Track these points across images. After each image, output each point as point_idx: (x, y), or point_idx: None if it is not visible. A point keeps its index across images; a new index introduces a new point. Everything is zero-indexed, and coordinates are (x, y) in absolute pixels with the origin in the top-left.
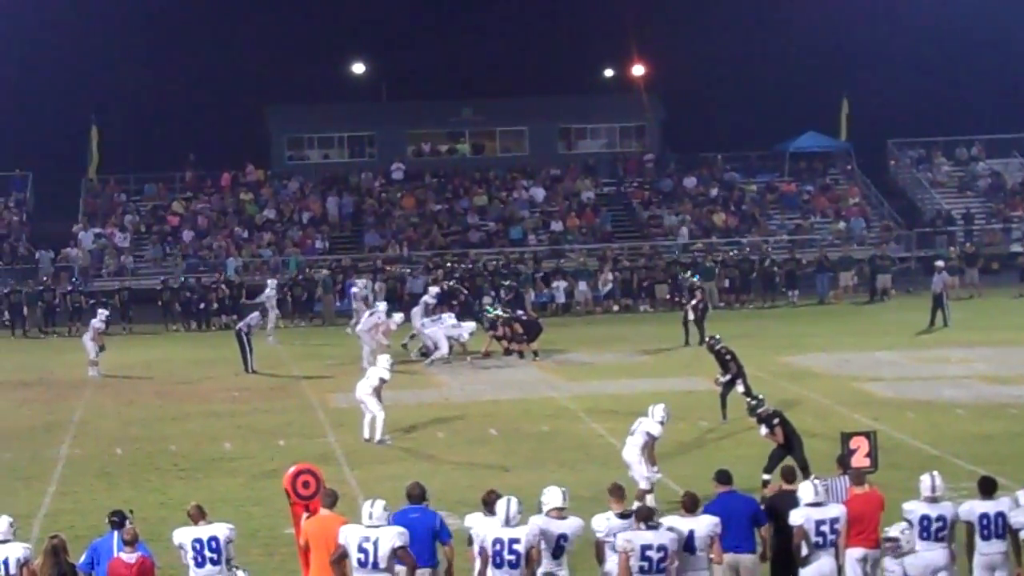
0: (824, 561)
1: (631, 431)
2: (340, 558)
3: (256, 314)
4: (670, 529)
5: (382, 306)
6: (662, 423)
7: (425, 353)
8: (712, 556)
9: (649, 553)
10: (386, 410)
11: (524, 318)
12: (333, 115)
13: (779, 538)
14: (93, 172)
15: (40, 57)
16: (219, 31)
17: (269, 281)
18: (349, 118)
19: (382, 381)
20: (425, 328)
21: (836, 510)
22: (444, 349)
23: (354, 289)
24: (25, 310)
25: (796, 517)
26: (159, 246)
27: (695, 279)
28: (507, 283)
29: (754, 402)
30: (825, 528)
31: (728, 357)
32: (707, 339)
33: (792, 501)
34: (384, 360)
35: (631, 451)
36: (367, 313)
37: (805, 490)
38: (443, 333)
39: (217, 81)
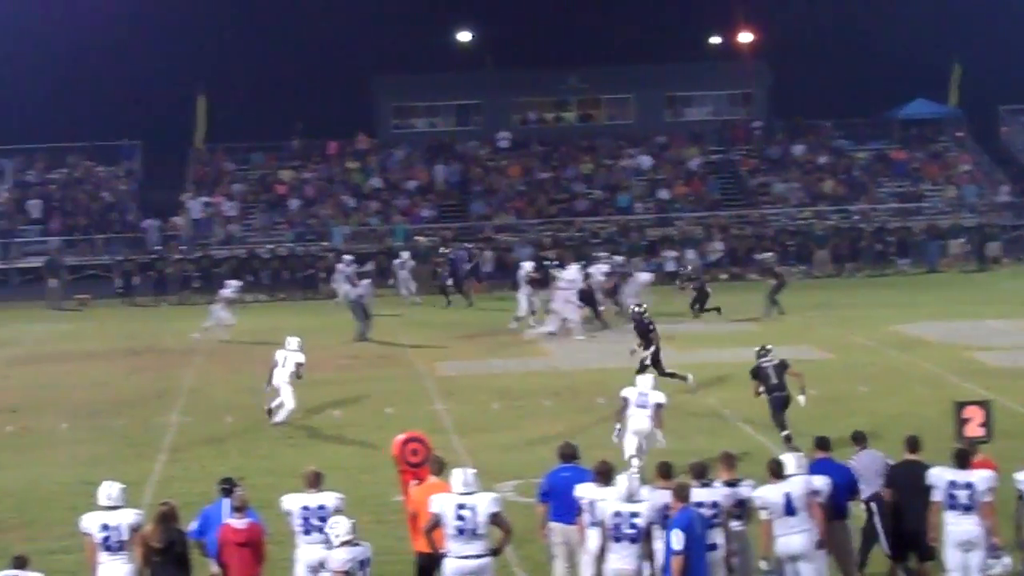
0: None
1: (641, 404)
2: (434, 527)
3: (368, 282)
4: (728, 484)
5: (570, 272)
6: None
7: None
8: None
9: (701, 509)
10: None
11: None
12: (439, 84)
13: (898, 507)
14: (200, 141)
15: (149, 27)
16: (326, 0)
17: (402, 253)
18: (455, 86)
19: (299, 365)
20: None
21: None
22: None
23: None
24: (136, 279)
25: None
26: (267, 214)
27: (768, 256)
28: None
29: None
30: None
31: (651, 328)
32: (632, 308)
33: (914, 471)
34: (294, 342)
35: (646, 421)
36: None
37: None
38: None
39: (324, 50)
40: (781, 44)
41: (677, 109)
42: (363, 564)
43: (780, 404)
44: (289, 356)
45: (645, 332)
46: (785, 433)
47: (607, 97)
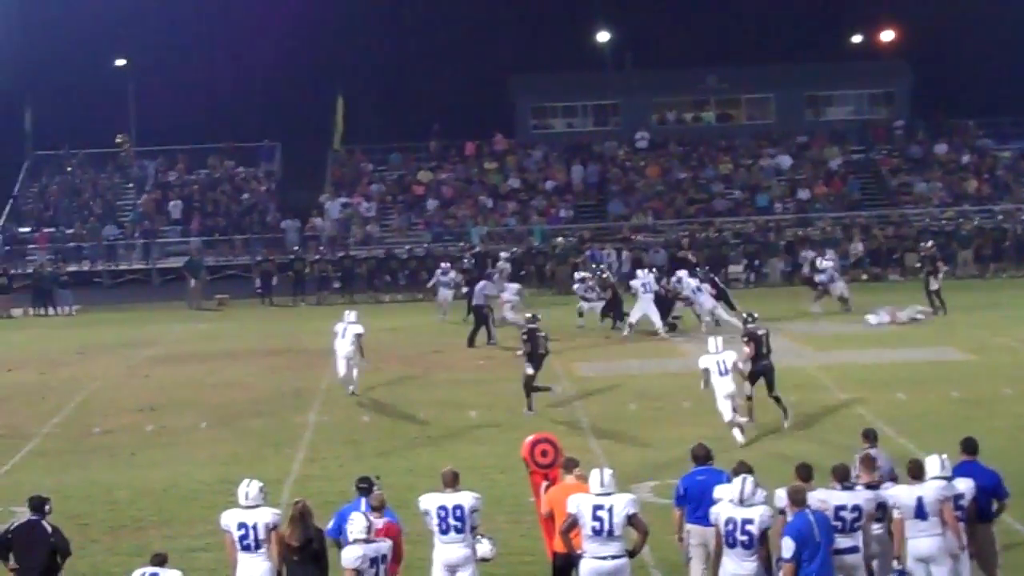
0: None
1: (722, 372)
2: (571, 527)
3: (484, 283)
4: (869, 487)
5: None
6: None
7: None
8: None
9: (843, 513)
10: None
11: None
12: (577, 84)
13: None
14: (338, 142)
15: (288, 30)
16: (463, 1)
17: (501, 253)
18: (593, 87)
19: (358, 336)
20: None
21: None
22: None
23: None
24: (274, 279)
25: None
26: (404, 215)
27: (929, 245)
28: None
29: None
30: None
31: (525, 337)
32: (527, 316)
33: None
34: (352, 315)
35: (731, 385)
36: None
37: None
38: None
39: (462, 51)
40: (923, 42)
41: (818, 108)
42: (374, 562)
43: (765, 371)
44: (349, 328)
45: (524, 340)
46: (775, 394)
47: (747, 97)
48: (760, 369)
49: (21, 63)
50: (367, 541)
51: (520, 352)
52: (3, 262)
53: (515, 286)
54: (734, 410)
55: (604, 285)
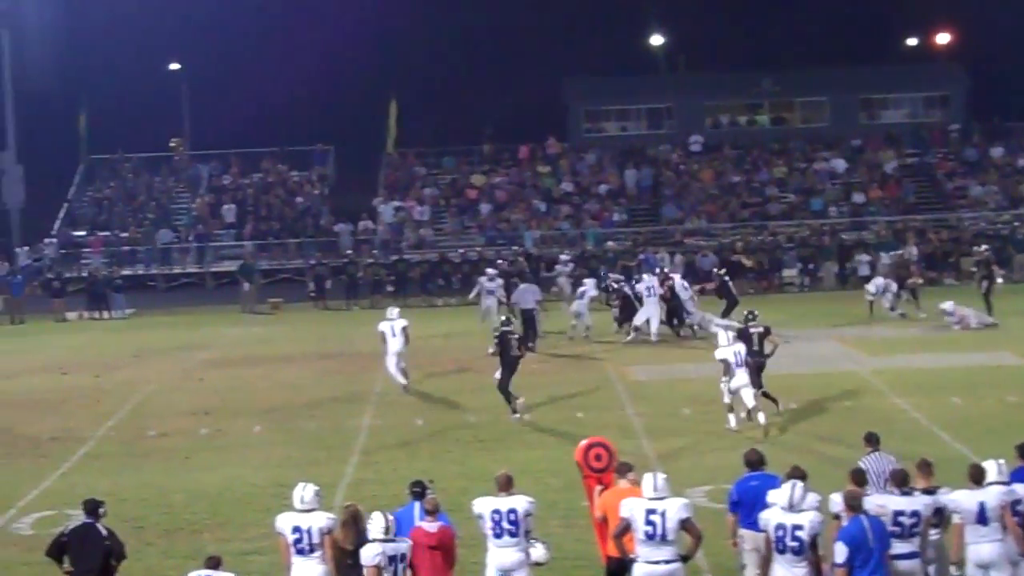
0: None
1: (739, 363)
2: (623, 532)
3: (529, 285)
4: (926, 492)
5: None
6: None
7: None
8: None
9: (901, 519)
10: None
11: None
12: (631, 87)
13: None
14: (392, 146)
15: (342, 34)
16: (516, 4)
17: (561, 256)
18: (647, 90)
19: (404, 329)
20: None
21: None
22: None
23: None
24: (328, 283)
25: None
26: (457, 219)
27: (984, 249)
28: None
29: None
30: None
31: (497, 339)
32: (501, 319)
33: None
34: (395, 311)
35: (746, 376)
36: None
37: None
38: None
39: (515, 54)
40: (978, 45)
41: (872, 112)
42: (393, 560)
43: (757, 368)
44: (395, 324)
45: (495, 342)
46: (763, 390)
47: (801, 100)
48: (751, 365)
49: (75, 68)
50: (385, 540)
51: (491, 351)
52: (58, 266)
53: (592, 280)
54: (753, 399)
55: (618, 295)
